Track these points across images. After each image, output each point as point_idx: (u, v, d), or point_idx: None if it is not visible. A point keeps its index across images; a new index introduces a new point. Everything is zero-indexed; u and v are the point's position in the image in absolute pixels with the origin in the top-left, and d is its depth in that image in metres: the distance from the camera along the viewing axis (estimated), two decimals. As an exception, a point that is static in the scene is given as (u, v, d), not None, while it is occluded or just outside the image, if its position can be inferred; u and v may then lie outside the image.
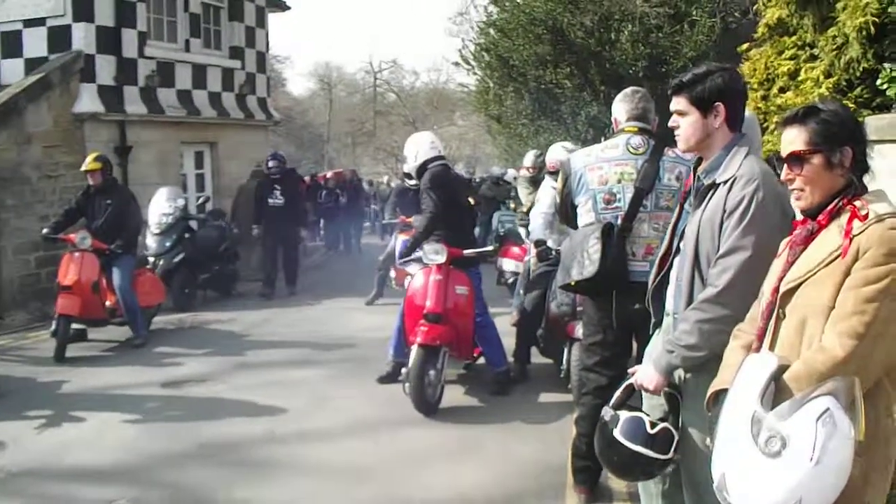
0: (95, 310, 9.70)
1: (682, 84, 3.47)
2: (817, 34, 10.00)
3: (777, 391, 2.55)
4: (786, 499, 2.38)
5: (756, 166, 3.34)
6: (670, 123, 3.57)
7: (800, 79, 10.22)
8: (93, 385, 8.14)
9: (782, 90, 10.60)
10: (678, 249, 3.60)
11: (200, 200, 15.26)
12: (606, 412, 3.57)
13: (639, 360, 5.16)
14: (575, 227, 5.18)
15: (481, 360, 8.16)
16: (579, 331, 7.28)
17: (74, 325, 9.52)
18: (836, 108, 2.81)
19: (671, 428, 3.43)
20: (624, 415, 3.49)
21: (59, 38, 13.80)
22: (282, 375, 8.53)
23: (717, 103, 3.40)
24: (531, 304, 8.36)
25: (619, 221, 4.82)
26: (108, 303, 9.94)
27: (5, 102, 12.54)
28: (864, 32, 8.46)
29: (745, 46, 11.98)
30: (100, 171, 9.88)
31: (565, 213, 5.25)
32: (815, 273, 2.66)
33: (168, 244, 12.45)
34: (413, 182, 11.23)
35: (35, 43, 13.88)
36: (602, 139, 15.37)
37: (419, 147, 7.86)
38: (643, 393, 3.65)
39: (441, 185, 7.53)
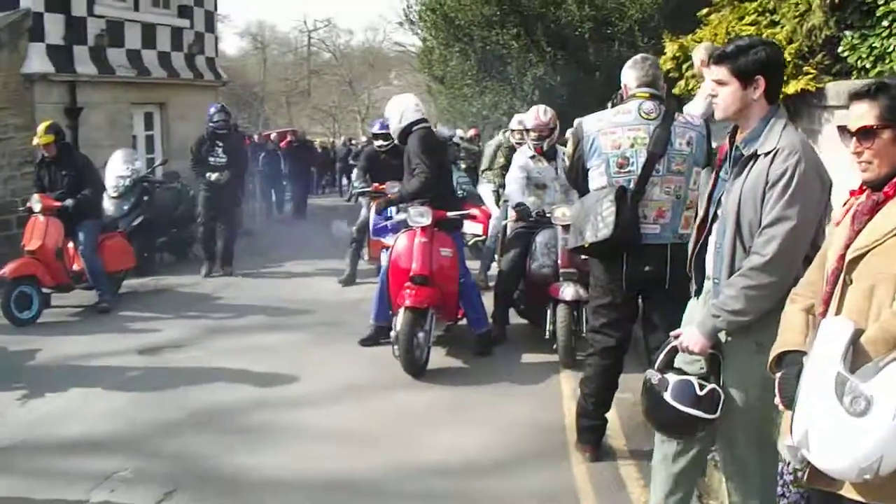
0: (59, 275, 9.50)
1: (724, 54, 3.51)
2: (779, 1, 10.12)
3: (854, 353, 2.60)
4: (867, 455, 2.43)
5: (796, 137, 3.44)
6: (708, 92, 3.61)
7: (761, 45, 10.36)
8: (67, 353, 7.96)
9: (744, 55, 10.75)
10: (715, 216, 3.67)
11: (158, 162, 14.81)
12: (653, 375, 3.66)
13: (644, 323, 5.27)
14: (582, 192, 5.23)
15: (461, 322, 8.16)
16: (565, 291, 7.38)
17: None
18: None
19: (718, 388, 3.53)
20: (673, 378, 3.58)
21: (5, -6, 13.29)
22: (258, 340, 8.45)
23: (757, 76, 3.45)
24: (508, 266, 8.38)
25: (632, 185, 4.90)
26: (75, 267, 9.78)
27: (-49, 63, 12.14)
28: (826, 0, 8.59)
29: (704, 11, 12.06)
30: (53, 142, 9.61)
31: (574, 177, 5.27)
32: (882, 242, 2.70)
33: (126, 207, 12.17)
34: (381, 144, 11.14)
35: (-22, 1, 13.35)
36: (544, 100, 15.38)
37: (404, 109, 7.75)
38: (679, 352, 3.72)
39: (432, 149, 7.48)
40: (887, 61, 7.88)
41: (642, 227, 4.92)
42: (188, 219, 13.74)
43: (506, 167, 10.15)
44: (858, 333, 2.63)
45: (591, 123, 5.10)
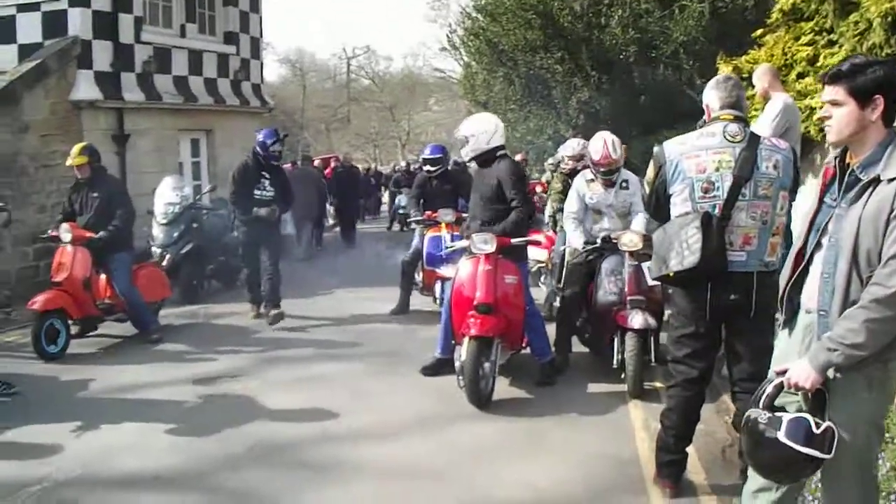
0: (87, 307, 9.27)
1: (840, 73, 3.35)
2: (837, 19, 9.92)
3: None
4: None
5: None
6: (820, 114, 3.45)
7: (819, 64, 10.15)
8: (119, 384, 7.82)
9: (801, 76, 10.53)
10: (818, 244, 3.47)
11: (208, 188, 14.72)
12: (760, 414, 3.45)
13: (728, 352, 5.04)
14: (663, 219, 5.03)
15: (524, 351, 7.93)
16: (633, 319, 7.16)
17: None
18: None
19: (833, 426, 3.32)
20: (786, 416, 3.37)
21: (54, 23, 13.42)
22: (315, 370, 8.28)
23: (876, 96, 3.27)
24: (571, 293, 8.19)
25: (718, 210, 4.70)
26: (107, 299, 9.56)
27: (1, 90, 12.15)
28: (888, 18, 8.36)
29: (759, 32, 11.88)
30: (87, 164, 9.45)
31: (655, 203, 5.05)
32: None
33: (175, 234, 12.14)
34: (431, 169, 10.99)
35: (29, 28, 13.49)
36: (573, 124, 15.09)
37: (494, 132, 7.55)
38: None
39: (523, 178, 7.33)
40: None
41: (728, 255, 4.70)
42: (236, 246, 13.66)
43: (562, 192, 9.97)
44: None
45: (673, 147, 4.90)
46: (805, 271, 3.53)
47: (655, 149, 5.17)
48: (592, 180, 8.26)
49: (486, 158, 7.51)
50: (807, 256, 3.52)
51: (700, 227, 4.61)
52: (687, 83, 19.08)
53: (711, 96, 4.99)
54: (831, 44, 10.21)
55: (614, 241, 7.74)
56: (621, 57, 20.22)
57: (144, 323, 9.67)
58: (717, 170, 4.71)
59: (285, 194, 10.83)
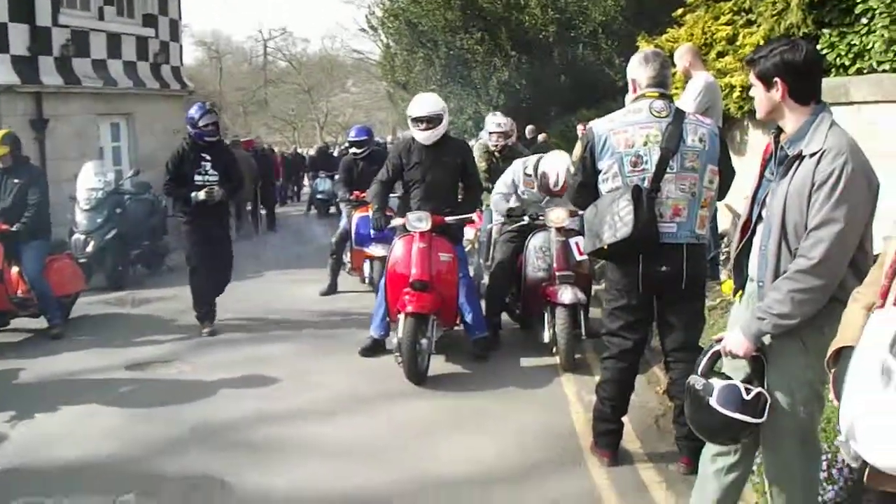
0: (0, 301, 8.93)
1: (749, 59, 3.59)
2: (756, 0, 10.17)
3: None
4: None
5: (843, 138, 3.38)
6: (751, 92, 3.63)
7: (738, 43, 10.42)
8: (50, 373, 7.69)
9: (721, 54, 10.81)
10: (759, 217, 3.63)
11: (131, 174, 14.42)
12: (697, 380, 3.62)
13: (660, 323, 5.21)
14: (586, 199, 5.14)
15: (457, 328, 8.06)
16: (563, 295, 7.30)
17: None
18: None
19: (764, 392, 3.49)
20: (718, 383, 3.55)
21: (-34, 5, 12.99)
22: (250, 352, 8.25)
23: (776, 79, 3.44)
24: (499, 270, 8.30)
25: (647, 183, 4.83)
26: (19, 293, 9.16)
27: (-87, 76, 11.82)
28: (805, -1, 8.60)
29: (679, 11, 12.13)
30: (8, 153, 9.02)
31: (582, 181, 5.13)
32: None
33: (99, 220, 11.91)
34: (358, 151, 11.03)
35: (-60, 11, 13.03)
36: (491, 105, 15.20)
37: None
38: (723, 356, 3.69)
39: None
40: (866, 58, 7.93)
41: (659, 227, 4.83)
42: (161, 230, 13.56)
43: (487, 171, 10.04)
44: None
45: (601, 124, 5.03)
46: (750, 242, 3.68)
47: (582, 131, 5.28)
48: (530, 176, 8.34)
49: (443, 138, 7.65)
50: (751, 229, 3.68)
51: (631, 200, 4.73)
52: (606, 63, 19.35)
53: (639, 73, 5.07)
54: (750, 23, 10.49)
55: (541, 216, 7.87)
56: (541, 37, 20.41)
57: (50, 317, 9.22)
58: (646, 144, 4.84)
59: (231, 175, 9.30)
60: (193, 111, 9.15)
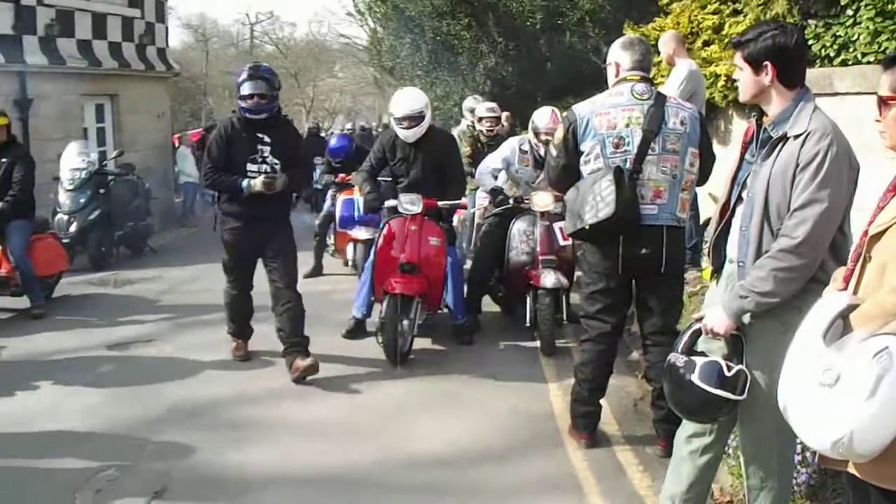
0: None
1: (737, 42, 3.57)
2: (742, -11, 10.17)
3: (845, 329, 2.63)
4: (837, 430, 2.45)
5: (827, 121, 3.42)
6: (734, 75, 3.66)
7: (724, 32, 10.42)
8: (30, 351, 7.70)
9: (707, 43, 10.80)
10: (739, 198, 3.66)
11: (115, 153, 14.38)
12: (677, 358, 3.65)
13: (638, 307, 5.24)
14: (566, 181, 5.16)
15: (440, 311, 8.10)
16: (545, 279, 7.32)
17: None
18: None
19: (745, 369, 3.53)
20: (699, 360, 3.57)
21: (-51, -17, 12.89)
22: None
23: (765, 62, 3.45)
24: (483, 254, 8.33)
25: (629, 164, 4.87)
26: (2, 271, 9.09)
27: None
28: (790, -12, 8.60)
29: (665, 0, 12.12)
30: (6, 126, 9.08)
31: (564, 163, 5.13)
32: None
33: (83, 200, 11.87)
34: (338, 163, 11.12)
35: (-79, -12, 12.92)
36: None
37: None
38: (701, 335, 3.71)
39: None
40: (851, 50, 7.94)
41: (640, 208, 4.87)
42: (144, 212, 13.54)
43: (471, 156, 10.03)
44: (852, 308, 2.65)
45: (583, 106, 5.06)
46: (729, 224, 3.71)
47: (565, 113, 5.30)
48: (526, 153, 8.36)
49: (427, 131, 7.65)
50: (729, 210, 3.71)
51: (613, 180, 4.76)
52: (593, 51, 19.32)
53: (621, 56, 5.10)
54: (736, 13, 10.49)
55: (526, 200, 7.89)
56: (528, 24, 20.35)
57: (32, 296, 9.19)
58: (628, 125, 4.88)
59: (297, 161, 7.12)
60: (243, 75, 7.00)
